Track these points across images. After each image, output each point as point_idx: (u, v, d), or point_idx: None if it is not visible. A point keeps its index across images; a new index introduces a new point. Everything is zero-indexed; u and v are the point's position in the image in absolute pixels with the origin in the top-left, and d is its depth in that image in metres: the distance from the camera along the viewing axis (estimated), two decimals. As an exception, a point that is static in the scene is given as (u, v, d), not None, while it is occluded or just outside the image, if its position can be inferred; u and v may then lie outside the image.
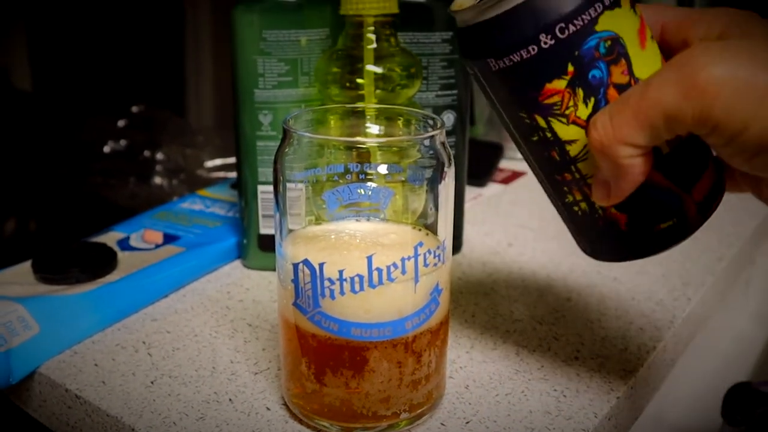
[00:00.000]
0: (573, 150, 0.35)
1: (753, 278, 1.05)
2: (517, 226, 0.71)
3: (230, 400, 0.44)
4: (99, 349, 0.49)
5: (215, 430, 0.41)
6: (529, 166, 0.39)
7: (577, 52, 0.33)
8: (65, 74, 1.13)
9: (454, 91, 0.59)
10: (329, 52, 0.53)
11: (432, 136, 0.38)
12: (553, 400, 0.44)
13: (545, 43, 0.33)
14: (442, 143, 0.38)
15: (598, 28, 0.33)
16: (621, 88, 0.34)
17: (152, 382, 0.46)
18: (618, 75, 0.34)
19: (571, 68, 0.33)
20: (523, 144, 0.37)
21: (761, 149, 0.31)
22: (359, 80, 0.51)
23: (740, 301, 1.04)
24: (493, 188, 0.82)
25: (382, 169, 0.37)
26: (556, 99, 0.34)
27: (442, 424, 0.42)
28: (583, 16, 0.33)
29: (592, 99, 0.34)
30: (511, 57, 0.34)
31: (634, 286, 0.59)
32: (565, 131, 0.35)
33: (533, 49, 0.33)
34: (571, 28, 0.33)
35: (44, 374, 0.47)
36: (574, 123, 0.34)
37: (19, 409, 0.51)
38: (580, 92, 0.34)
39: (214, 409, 0.43)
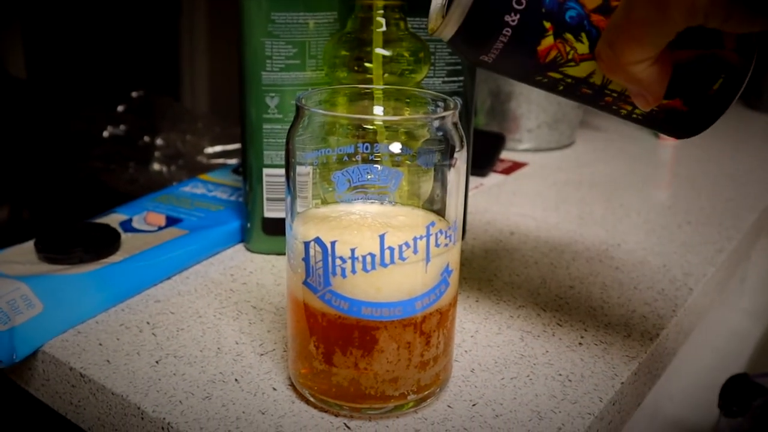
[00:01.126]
0: (597, 79, 0.36)
1: (748, 274, 1.06)
2: (518, 215, 0.72)
3: (236, 380, 0.44)
4: (103, 329, 0.49)
5: (222, 410, 0.41)
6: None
7: (543, 9, 0.34)
8: (59, 61, 1.12)
9: (461, 78, 0.59)
10: (338, 35, 0.53)
11: (444, 117, 0.38)
12: (559, 384, 0.44)
13: (513, 20, 0.35)
14: (454, 124, 0.38)
15: None
16: (602, 9, 0.35)
17: (157, 362, 0.45)
18: (590, 1, 0.34)
19: (547, 24, 0.35)
20: (558, 95, 0.39)
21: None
22: (367, 64, 0.51)
23: (736, 296, 1.05)
24: (494, 178, 0.82)
25: (394, 148, 0.37)
26: (554, 53, 0.35)
27: (449, 406, 0.42)
28: None
29: (582, 34, 0.35)
30: (496, 47, 0.36)
31: (636, 276, 0.59)
32: (580, 70, 0.36)
33: (507, 31, 0.35)
34: None
35: (48, 353, 0.47)
36: (583, 60, 0.36)
37: (19, 388, 0.50)
38: (569, 36, 0.35)
39: (219, 388, 0.43)
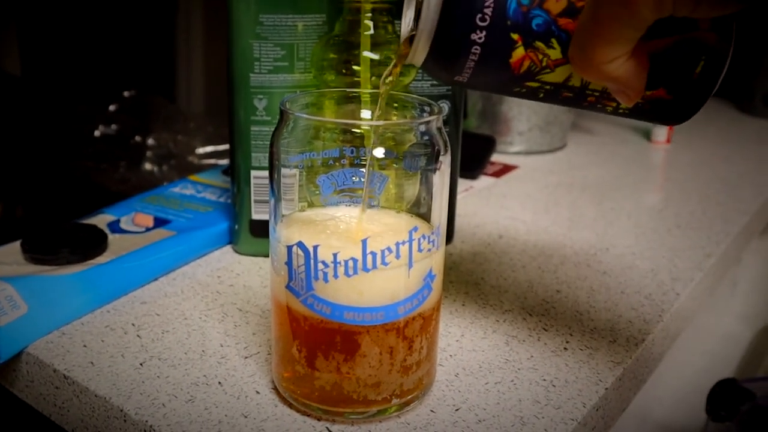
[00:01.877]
0: (576, 81, 0.36)
1: (740, 278, 1.06)
2: (508, 218, 0.72)
3: (219, 383, 0.44)
4: (88, 330, 0.49)
5: (204, 413, 0.41)
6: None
7: (509, 22, 0.34)
8: (55, 58, 1.12)
9: (450, 81, 0.59)
10: (326, 37, 0.53)
11: (429, 122, 0.38)
12: (542, 389, 0.44)
13: (480, 38, 0.34)
14: (439, 129, 0.38)
15: None
16: (568, 12, 0.34)
17: (141, 364, 0.45)
18: (554, 4, 0.34)
19: (515, 35, 0.34)
20: (541, 101, 0.39)
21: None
22: (355, 67, 0.51)
23: (726, 300, 1.05)
24: (484, 181, 0.82)
25: (378, 152, 0.37)
26: (527, 63, 0.35)
27: (432, 410, 0.42)
28: None
29: (552, 40, 0.35)
30: (468, 66, 0.35)
31: (624, 281, 0.59)
32: (557, 76, 0.36)
33: (476, 49, 0.35)
34: (486, 11, 0.34)
35: (32, 354, 0.47)
36: (558, 65, 0.35)
37: (3, 389, 0.50)
38: (540, 44, 0.35)
39: (203, 391, 0.43)
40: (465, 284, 0.57)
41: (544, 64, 0.35)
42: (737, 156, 1.01)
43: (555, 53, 0.35)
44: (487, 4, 0.34)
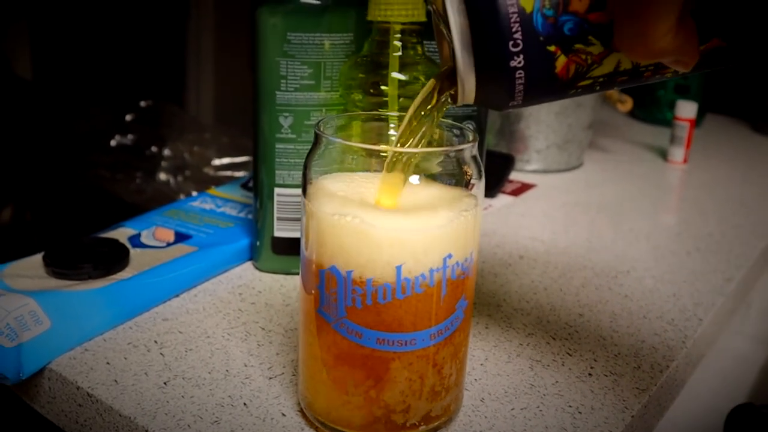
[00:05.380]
0: (627, 65, 0.35)
1: (754, 299, 1.06)
2: (527, 238, 0.71)
3: (245, 404, 0.43)
4: (110, 347, 0.49)
5: (230, 435, 0.41)
6: None
7: (541, 38, 0.34)
8: (65, 63, 1.12)
9: (474, 102, 0.58)
10: (354, 57, 0.53)
11: (462, 149, 0.38)
12: (569, 416, 0.44)
13: (520, 63, 0.34)
14: (473, 157, 0.38)
15: (527, 9, 0.33)
16: (595, 6, 0.34)
17: (165, 383, 0.45)
18: (578, 4, 0.34)
19: (552, 47, 0.34)
20: (599, 92, 0.38)
21: None
22: (383, 87, 0.51)
23: (741, 322, 1.04)
24: (503, 199, 0.82)
25: (413, 180, 0.37)
26: (573, 68, 0.35)
27: (459, 437, 0.42)
28: (511, 21, 0.33)
29: (589, 37, 0.34)
30: (518, 91, 0.35)
31: (646, 305, 0.59)
32: (606, 67, 0.35)
33: (520, 74, 0.34)
34: (516, 36, 0.33)
35: (55, 371, 0.47)
36: (604, 57, 0.35)
37: (25, 405, 0.50)
38: (579, 46, 0.34)
39: (228, 413, 0.43)
40: (487, 306, 0.57)
41: (589, 62, 0.35)
42: (753, 177, 1.00)
43: (596, 48, 0.34)
44: (514, 30, 0.33)
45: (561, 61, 0.34)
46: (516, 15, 0.33)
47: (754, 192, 0.93)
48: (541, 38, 0.34)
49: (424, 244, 0.36)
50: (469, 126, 0.58)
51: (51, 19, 1.10)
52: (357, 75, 0.51)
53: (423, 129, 0.37)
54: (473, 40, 0.34)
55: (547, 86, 0.35)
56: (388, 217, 0.37)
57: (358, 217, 0.36)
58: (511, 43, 0.33)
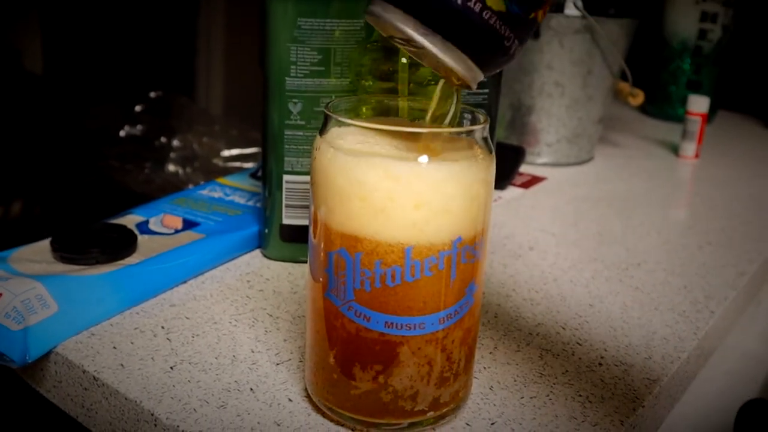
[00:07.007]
0: None
1: (763, 299, 1.05)
2: (537, 230, 0.71)
3: (251, 389, 0.43)
4: (117, 331, 0.49)
5: (236, 420, 0.40)
6: None
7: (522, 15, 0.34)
8: (76, 57, 1.12)
9: (485, 90, 0.58)
10: (364, 43, 0.52)
11: (473, 131, 0.38)
12: (579, 405, 0.44)
13: (512, 44, 0.35)
14: (484, 138, 0.38)
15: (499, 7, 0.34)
16: None
17: (171, 368, 0.45)
18: None
19: (533, 14, 0.35)
20: None
21: None
22: (393, 73, 0.50)
23: (750, 319, 1.03)
24: (513, 191, 0.82)
25: (422, 160, 0.37)
26: (546, 11, 0.36)
27: (467, 424, 0.41)
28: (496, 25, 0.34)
29: None
30: (513, 51, 0.36)
31: (657, 297, 0.58)
32: None
33: (514, 43, 0.35)
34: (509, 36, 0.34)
35: (61, 354, 0.46)
36: None
37: (30, 389, 0.50)
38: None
39: (235, 398, 0.42)
40: (497, 295, 0.56)
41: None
42: (765, 173, 0.99)
43: None
44: (503, 32, 0.34)
45: (540, 15, 0.36)
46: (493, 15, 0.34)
47: (766, 188, 0.92)
48: (531, 15, 0.35)
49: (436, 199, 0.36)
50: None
51: (63, 12, 1.10)
52: (367, 61, 0.51)
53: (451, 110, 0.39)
54: (474, 61, 0.35)
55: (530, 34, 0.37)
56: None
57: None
58: (506, 43, 0.35)
